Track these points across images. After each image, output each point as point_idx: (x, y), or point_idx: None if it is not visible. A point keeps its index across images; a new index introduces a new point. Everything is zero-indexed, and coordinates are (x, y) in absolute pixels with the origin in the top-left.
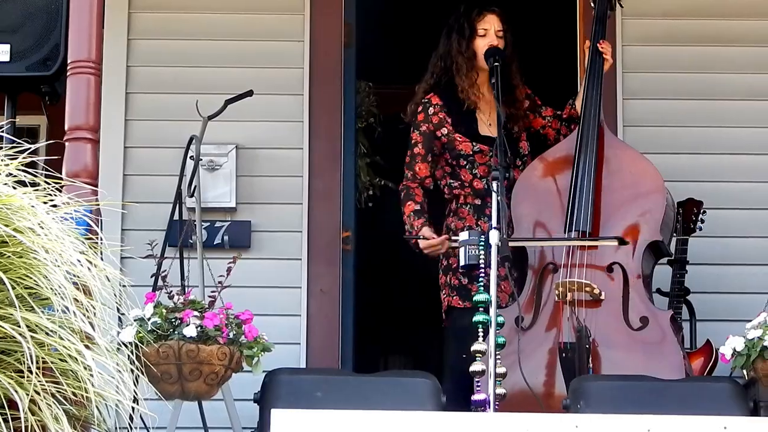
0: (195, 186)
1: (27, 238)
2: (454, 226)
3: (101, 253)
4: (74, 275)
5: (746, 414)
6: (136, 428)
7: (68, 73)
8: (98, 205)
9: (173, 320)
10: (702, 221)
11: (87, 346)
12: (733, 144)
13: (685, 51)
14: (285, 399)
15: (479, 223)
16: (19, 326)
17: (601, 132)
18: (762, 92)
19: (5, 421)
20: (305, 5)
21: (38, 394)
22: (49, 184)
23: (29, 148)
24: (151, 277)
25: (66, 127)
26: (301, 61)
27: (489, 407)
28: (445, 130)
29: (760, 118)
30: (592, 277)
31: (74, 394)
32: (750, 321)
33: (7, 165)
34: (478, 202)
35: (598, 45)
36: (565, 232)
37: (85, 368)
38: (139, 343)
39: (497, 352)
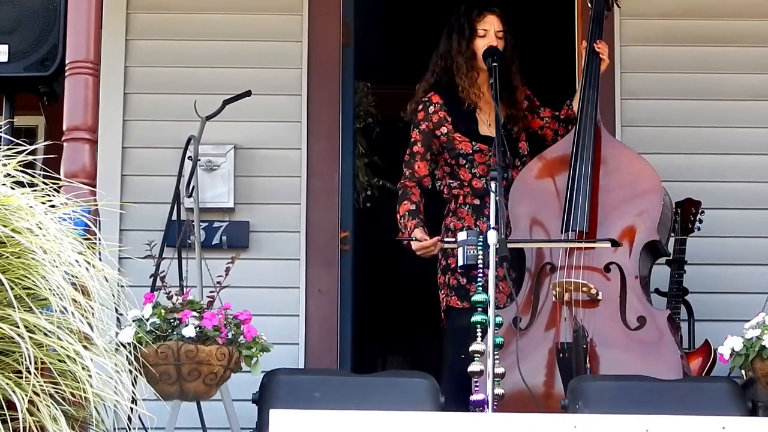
0: (193, 186)
1: (25, 238)
2: (453, 226)
3: (99, 254)
4: (72, 276)
5: (745, 414)
6: (134, 429)
7: (66, 74)
8: (96, 205)
9: (172, 321)
10: (700, 221)
11: (85, 347)
12: (732, 144)
13: (684, 51)
14: (283, 399)
15: (478, 223)
16: (18, 327)
17: (598, 132)
18: (761, 92)
19: (3, 422)
20: (303, 5)
21: (37, 394)
22: (47, 184)
23: (27, 149)
24: (150, 277)
25: (64, 128)
26: (299, 61)
27: (487, 407)
28: (444, 129)
29: (759, 119)
30: (589, 277)
31: (72, 394)
32: (748, 321)
33: (5, 165)
34: (477, 202)
35: (594, 45)
36: (562, 233)
37: (83, 369)
38: (137, 344)
39: (496, 353)
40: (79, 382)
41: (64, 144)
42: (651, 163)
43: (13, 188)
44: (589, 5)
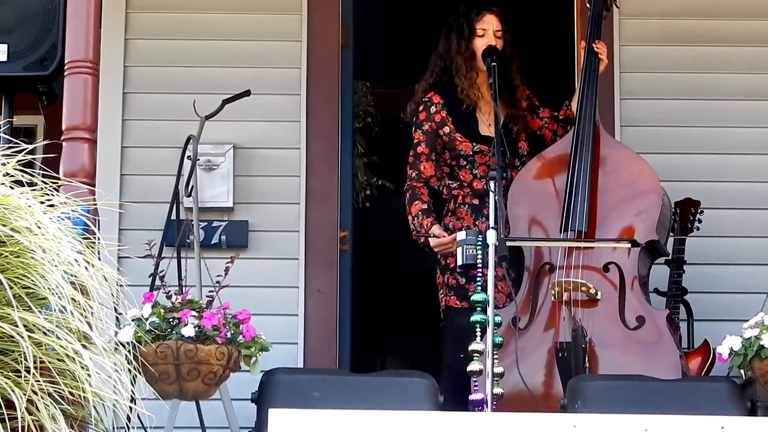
0: (192, 186)
1: (24, 237)
2: (452, 226)
3: (99, 253)
4: (72, 275)
5: (744, 414)
6: (133, 428)
7: (65, 73)
8: (95, 204)
9: (171, 320)
10: (699, 221)
11: (84, 346)
12: (731, 144)
13: (683, 51)
14: (282, 399)
15: (477, 223)
16: (17, 326)
17: (597, 132)
18: (759, 92)
19: (2, 421)
20: (302, 5)
21: (36, 393)
22: (46, 183)
23: (26, 148)
24: (149, 276)
25: (63, 127)
26: (298, 61)
27: (486, 407)
28: (447, 129)
29: (758, 118)
30: (588, 277)
31: (72, 393)
32: (747, 321)
33: (5, 165)
34: (476, 202)
35: (593, 45)
36: (561, 232)
37: (82, 368)
38: (136, 343)
39: (495, 352)
40: (78, 381)
41: (64, 143)
42: (650, 163)
43: (12, 187)
44: (588, 6)
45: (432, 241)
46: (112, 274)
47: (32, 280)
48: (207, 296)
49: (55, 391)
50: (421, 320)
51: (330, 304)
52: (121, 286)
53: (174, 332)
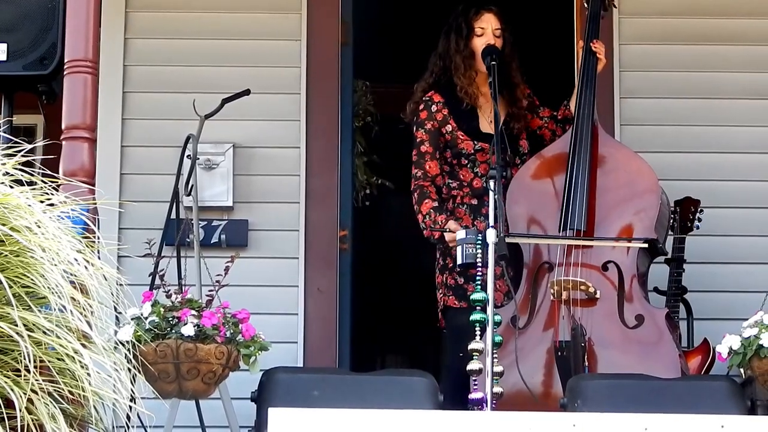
0: (192, 185)
1: (24, 236)
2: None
3: (98, 252)
4: (71, 274)
5: (743, 413)
6: (133, 427)
7: (65, 72)
8: (95, 203)
9: (171, 319)
10: (699, 220)
11: (84, 345)
12: (731, 143)
13: (682, 50)
14: (282, 398)
15: (475, 222)
16: (17, 325)
17: (595, 131)
18: (759, 91)
19: (2, 420)
20: (302, 4)
21: (35, 393)
22: (46, 183)
23: (26, 148)
24: (149, 276)
25: (63, 126)
26: (298, 60)
27: (486, 406)
28: (449, 127)
29: (758, 117)
30: (587, 275)
31: (71, 393)
32: (747, 320)
33: (4, 164)
34: (474, 202)
35: (591, 45)
36: (559, 231)
37: (82, 367)
38: (136, 342)
39: (494, 351)
40: (77, 381)
41: (63, 143)
42: (650, 162)
43: (11, 187)
44: (585, 5)
45: (448, 236)
46: (111, 273)
47: (32, 279)
48: (207, 295)
49: (54, 390)
50: (421, 320)
51: (330, 304)
52: (120, 285)
53: (174, 331)
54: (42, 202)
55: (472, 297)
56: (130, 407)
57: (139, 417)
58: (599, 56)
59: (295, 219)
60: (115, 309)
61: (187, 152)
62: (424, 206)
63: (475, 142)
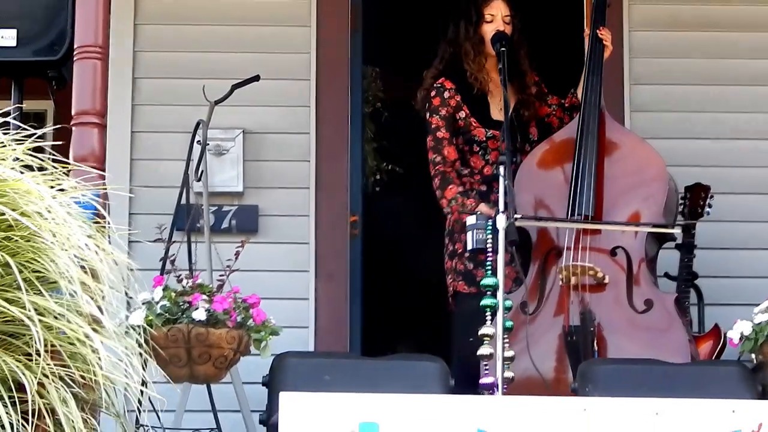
0: (202, 170)
1: (34, 222)
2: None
3: (109, 237)
4: (82, 259)
5: (755, 397)
6: (144, 411)
7: (75, 58)
8: (105, 189)
9: (182, 304)
10: (710, 206)
11: (95, 330)
12: (741, 129)
13: (692, 36)
14: (293, 382)
15: None
16: (28, 310)
17: (602, 118)
18: None
19: (13, 404)
20: None
21: (46, 377)
22: (56, 168)
23: (36, 133)
24: (160, 260)
25: (73, 112)
26: (308, 45)
27: (497, 390)
28: (463, 114)
29: None
30: (596, 260)
31: (82, 377)
32: (758, 305)
33: (14, 150)
34: (483, 188)
35: (597, 32)
36: (567, 217)
37: (93, 351)
38: (147, 327)
39: (505, 336)
40: (89, 365)
41: (73, 128)
42: (659, 148)
43: (22, 172)
44: None
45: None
46: (122, 258)
47: (42, 264)
48: (218, 280)
49: (66, 374)
50: (432, 304)
51: (340, 288)
52: (131, 270)
53: (185, 316)
54: (52, 187)
55: (482, 282)
56: (142, 392)
57: (150, 401)
58: (606, 43)
59: (305, 204)
60: (126, 294)
61: (197, 138)
62: (448, 191)
63: (487, 130)
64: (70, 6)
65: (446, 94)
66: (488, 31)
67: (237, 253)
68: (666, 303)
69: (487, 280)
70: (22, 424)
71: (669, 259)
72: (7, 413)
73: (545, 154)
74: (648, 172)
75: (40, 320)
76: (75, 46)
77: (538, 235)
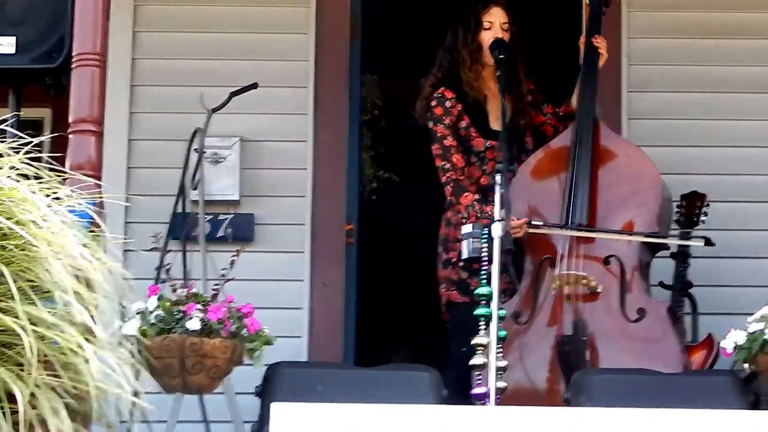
0: (199, 179)
1: (29, 231)
2: (454, 220)
3: (104, 246)
4: (76, 268)
5: (746, 407)
6: (136, 422)
7: (73, 66)
8: (101, 197)
9: (176, 313)
10: (705, 214)
11: (88, 340)
12: (738, 137)
13: (690, 43)
14: (286, 392)
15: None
16: (21, 319)
17: (597, 127)
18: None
19: (4, 415)
20: None
21: (38, 387)
22: (52, 176)
23: (33, 141)
24: (155, 270)
25: (70, 120)
26: (306, 53)
27: (489, 400)
28: (464, 123)
29: (766, 111)
30: (589, 269)
31: (75, 387)
32: (752, 314)
33: (11, 158)
34: (478, 196)
35: (593, 40)
36: (561, 226)
37: (85, 362)
38: (141, 337)
39: (499, 346)
40: (81, 375)
41: (70, 136)
42: (656, 156)
43: (17, 180)
44: (587, 0)
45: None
46: (117, 267)
47: (37, 274)
48: (213, 290)
49: (58, 384)
50: (427, 314)
51: (335, 298)
52: (126, 279)
53: (179, 326)
54: (48, 195)
55: (476, 291)
56: (134, 402)
57: (142, 412)
58: (601, 51)
59: (301, 213)
60: (120, 303)
61: (194, 146)
62: (464, 198)
63: (485, 140)
64: (68, 13)
65: (448, 104)
66: (486, 38)
67: (232, 262)
68: (659, 312)
69: (482, 290)
70: None
71: (664, 267)
72: None
73: (540, 163)
74: (642, 181)
75: (33, 330)
76: (73, 54)
77: (531, 243)
